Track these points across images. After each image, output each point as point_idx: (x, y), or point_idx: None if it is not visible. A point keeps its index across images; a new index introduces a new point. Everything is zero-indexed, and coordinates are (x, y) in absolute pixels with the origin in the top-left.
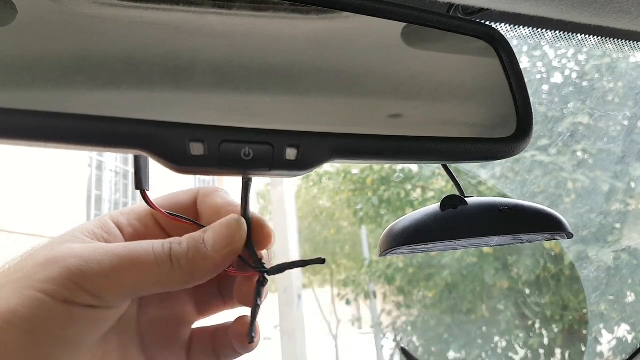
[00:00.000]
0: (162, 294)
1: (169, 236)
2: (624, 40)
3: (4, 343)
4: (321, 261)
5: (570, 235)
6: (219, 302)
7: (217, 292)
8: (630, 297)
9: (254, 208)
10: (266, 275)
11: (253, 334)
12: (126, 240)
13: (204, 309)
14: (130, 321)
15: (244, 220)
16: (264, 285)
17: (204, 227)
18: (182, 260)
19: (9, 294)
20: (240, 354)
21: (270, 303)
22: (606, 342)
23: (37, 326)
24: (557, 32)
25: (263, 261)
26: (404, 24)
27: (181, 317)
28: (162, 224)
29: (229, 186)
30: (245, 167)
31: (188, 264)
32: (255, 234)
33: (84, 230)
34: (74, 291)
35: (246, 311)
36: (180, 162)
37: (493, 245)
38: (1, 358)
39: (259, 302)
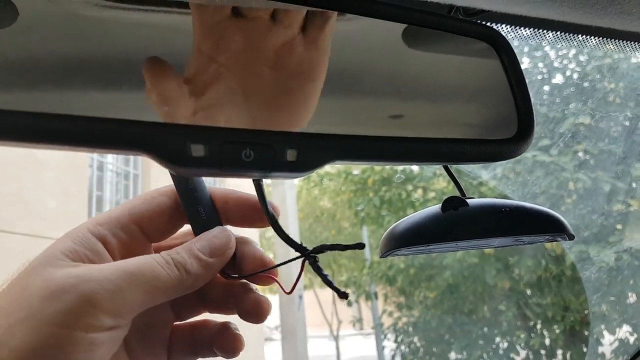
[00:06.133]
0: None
1: (153, 242)
2: (625, 41)
3: None
4: (361, 246)
5: (571, 237)
6: (198, 306)
7: (195, 297)
8: (632, 298)
9: None
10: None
11: (342, 291)
12: (113, 254)
13: (182, 314)
14: None
15: (231, 231)
16: (317, 262)
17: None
18: (187, 267)
19: (25, 337)
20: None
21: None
22: (608, 343)
23: None
24: (558, 33)
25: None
26: (404, 25)
27: (161, 322)
28: (145, 230)
29: (232, 186)
30: (246, 169)
31: (192, 271)
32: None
33: (63, 249)
34: (95, 317)
35: (224, 317)
36: (181, 164)
37: (494, 247)
38: None
39: (325, 274)
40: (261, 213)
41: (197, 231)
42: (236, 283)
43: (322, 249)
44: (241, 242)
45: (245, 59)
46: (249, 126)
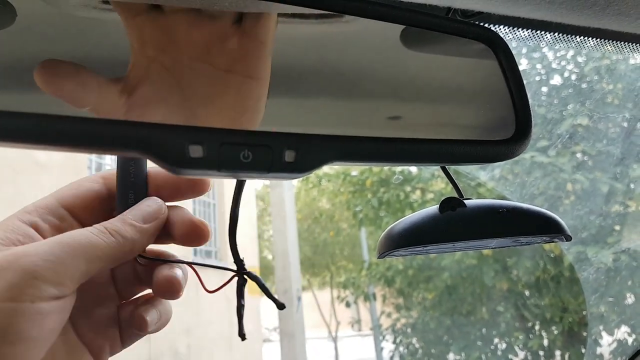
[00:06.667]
0: (85, 285)
1: (86, 224)
2: (623, 43)
3: None
4: (282, 306)
5: (568, 238)
6: (137, 283)
7: (134, 277)
8: (630, 299)
9: (253, 210)
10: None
11: (243, 332)
12: (46, 238)
13: (125, 292)
14: None
15: (160, 200)
16: (244, 286)
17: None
18: (122, 233)
19: None
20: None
21: (269, 305)
22: (606, 343)
23: (13, 336)
24: (556, 34)
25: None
26: (403, 27)
27: (105, 299)
28: (76, 216)
29: (229, 186)
30: (244, 170)
31: (128, 236)
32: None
33: None
34: (39, 288)
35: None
36: (179, 165)
37: (492, 248)
38: None
39: (242, 302)
40: (189, 184)
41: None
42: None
43: (256, 278)
44: (172, 209)
45: (174, 53)
46: (247, 127)
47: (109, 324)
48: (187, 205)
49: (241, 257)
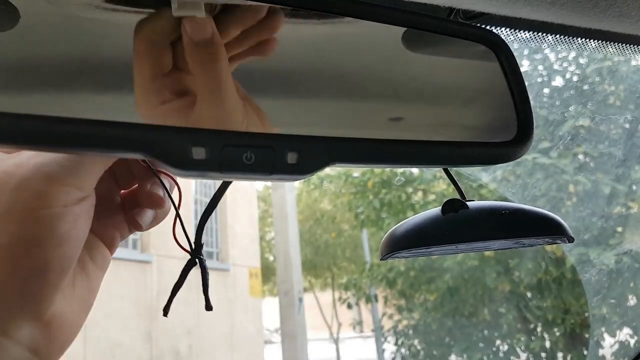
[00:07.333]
0: None
1: None
2: (625, 44)
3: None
4: (210, 308)
5: (571, 240)
6: (132, 180)
7: (129, 173)
8: (632, 301)
9: (254, 212)
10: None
11: (168, 310)
12: None
13: (124, 183)
14: None
15: None
16: (191, 268)
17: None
18: None
19: (8, 229)
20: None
21: (271, 306)
22: (608, 345)
23: (58, 238)
24: (558, 35)
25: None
26: (404, 28)
27: (110, 191)
28: None
29: (230, 188)
30: (246, 171)
31: None
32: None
33: None
34: (67, 193)
35: None
36: (182, 166)
37: (494, 249)
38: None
39: (181, 284)
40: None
41: None
42: None
43: (203, 269)
44: None
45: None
46: (249, 129)
47: (115, 215)
48: (188, 206)
49: (202, 242)
